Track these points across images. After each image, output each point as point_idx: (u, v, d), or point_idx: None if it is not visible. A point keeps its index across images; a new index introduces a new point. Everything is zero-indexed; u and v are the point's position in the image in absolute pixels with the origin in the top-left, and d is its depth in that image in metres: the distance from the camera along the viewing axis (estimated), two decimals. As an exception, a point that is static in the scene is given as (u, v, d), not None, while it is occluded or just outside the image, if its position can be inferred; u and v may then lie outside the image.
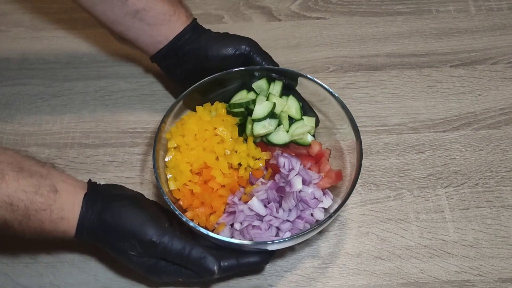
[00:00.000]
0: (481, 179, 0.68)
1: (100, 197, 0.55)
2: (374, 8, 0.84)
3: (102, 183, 0.58)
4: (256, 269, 0.62)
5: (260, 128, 0.62)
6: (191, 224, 0.54)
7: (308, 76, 0.63)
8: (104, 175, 0.69)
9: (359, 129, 0.60)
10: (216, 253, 0.55)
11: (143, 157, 0.70)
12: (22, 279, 0.62)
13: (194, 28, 0.67)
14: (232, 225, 0.59)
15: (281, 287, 0.62)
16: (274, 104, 0.62)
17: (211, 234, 0.53)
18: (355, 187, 0.66)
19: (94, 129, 0.73)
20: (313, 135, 0.66)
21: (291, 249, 0.64)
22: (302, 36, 0.81)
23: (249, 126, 0.63)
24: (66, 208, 0.52)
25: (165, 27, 0.65)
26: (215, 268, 0.54)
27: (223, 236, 0.54)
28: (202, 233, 0.54)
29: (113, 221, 0.53)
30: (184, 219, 0.54)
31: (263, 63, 0.65)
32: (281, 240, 0.54)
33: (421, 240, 0.64)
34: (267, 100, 0.63)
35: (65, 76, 0.78)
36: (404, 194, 0.67)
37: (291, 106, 0.64)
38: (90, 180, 0.58)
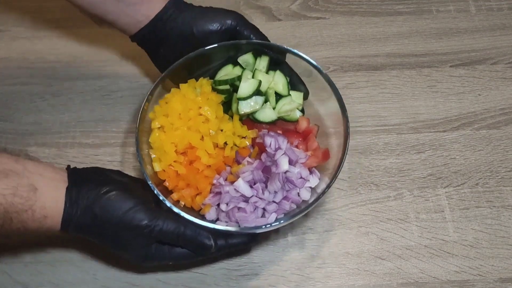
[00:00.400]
0: (481, 179, 0.68)
1: (84, 189, 0.52)
2: (374, 8, 0.84)
3: (80, 168, 0.56)
4: (244, 249, 0.62)
5: (245, 107, 0.60)
6: (175, 209, 0.53)
7: (294, 51, 0.62)
8: (104, 175, 0.69)
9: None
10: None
11: (143, 156, 0.70)
12: (21, 277, 0.62)
13: (176, 3, 0.64)
14: (218, 205, 0.58)
15: (281, 287, 0.62)
16: (260, 82, 0.61)
17: (196, 220, 0.53)
18: (355, 188, 0.66)
19: (94, 128, 0.73)
20: (302, 110, 0.64)
21: (292, 250, 0.64)
22: (302, 36, 0.81)
23: (234, 104, 0.62)
24: (48, 206, 0.50)
25: (145, 6, 0.62)
26: (211, 242, 0.54)
27: (209, 223, 0.54)
28: (188, 219, 0.53)
29: (103, 214, 0.52)
30: (168, 205, 0.53)
31: (251, 36, 0.63)
32: (268, 225, 0.54)
33: (421, 240, 0.64)
34: (253, 76, 0.61)
35: (65, 75, 0.78)
36: (404, 194, 0.67)
37: (278, 82, 0.62)
38: (69, 166, 0.55)
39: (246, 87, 0.60)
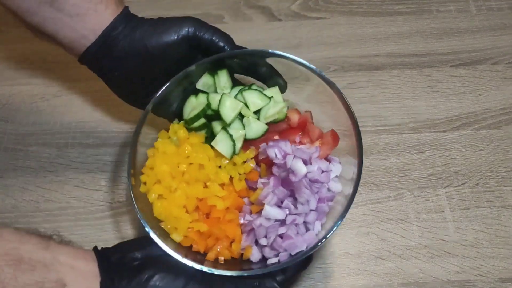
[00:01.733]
0: (482, 179, 0.68)
1: (122, 277, 0.46)
2: (374, 8, 0.84)
3: (110, 250, 0.50)
4: (305, 266, 0.54)
5: (234, 132, 0.56)
6: (228, 273, 0.48)
7: (277, 52, 0.56)
8: (105, 175, 0.69)
9: (360, 129, 0.58)
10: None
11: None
12: (22, 278, 0.62)
13: (126, 18, 0.56)
14: (257, 242, 0.54)
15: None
16: (241, 106, 0.56)
17: (245, 273, 0.49)
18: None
19: (94, 129, 0.73)
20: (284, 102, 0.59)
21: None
22: (303, 36, 0.81)
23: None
24: None
25: (90, 18, 0.54)
26: (276, 285, 0.50)
27: (253, 267, 0.50)
28: (231, 276, 0.49)
29: None
30: (205, 270, 0.48)
31: (214, 39, 0.56)
32: (321, 242, 0.50)
33: (421, 240, 0.64)
34: (221, 98, 0.56)
35: (65, 76, 0.78)
36: (404, 194, 0.67)
37: (254, 100, 0.57)
38: (96, 248, 0.49)
39: (227, 112, 0.55)
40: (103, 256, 0.48)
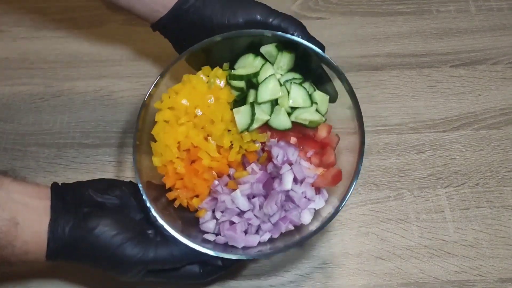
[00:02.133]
0: (482, 179, 0.68)
1: (69, 221, 0.48)
2: (374, 8, 0.84)
3: (66, 186, 0.52)
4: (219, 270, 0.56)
5: (259, 113, 0.55)
6: (165, 226, 0.50)
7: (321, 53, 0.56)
8: (104, 175, 0.69)
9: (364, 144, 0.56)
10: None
11: (143, 157, 0.70)
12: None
13: None
14: (213, 210, 0.55)
15: (281, 287, 0.62)
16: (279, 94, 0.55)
17: (186, 242, 0.50)
18: (356, 188, 0.65)
19: (94, 129, 0.73)
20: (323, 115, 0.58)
21: (291, 250, 0.63)
22: (302, 36, 0.81)
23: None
24: (30, 241, 0.46)
25: None
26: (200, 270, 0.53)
27: (196, 245, 0.50)
28: (176, 240, 0.50)
29: (91, 253, 0.48)
30: (158, 224, 0.50)
31: (282, 25, 0.56)
32: (255, 256, 0.52)
33: (421, 240, 0.64)
34: (268, 77, 0.56)
35: (65, 76, 0.78)
36: (404, 194, 0.67)
37: (296, 96, 0.56)
38: (53, 189, 0.50)
39: (265, 91, 0.55)
40: (58, 195, 0.49)
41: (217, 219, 0.55)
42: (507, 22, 0.82)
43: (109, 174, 0.69)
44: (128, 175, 0.69)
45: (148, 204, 0.50)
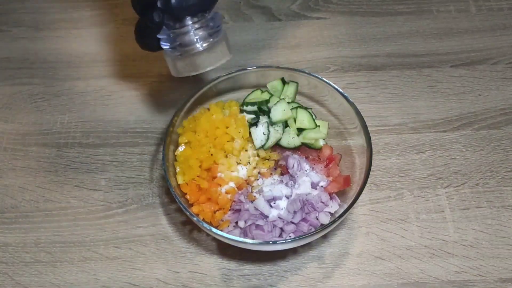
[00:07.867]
0: (482, 179, 0.68)
1: None
2: (374, 8, 0.84)
3: None
4: None
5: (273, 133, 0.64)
6: (195, 218, 0.55)
7: (335, 87, 0.64)
8: (104, 175, 0.69)
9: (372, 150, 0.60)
10: None
11: (143, 156, 0.70)
12: (22, 278, 0.62)
13: None
14: (236, 223, 0.59)
15: (281, 287, 0.62)
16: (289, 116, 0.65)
17: (213, 229, 0.55)
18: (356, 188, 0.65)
19: (94, 128, 0.73)
20: (324, 139, 0.68)
21: (292, 250, 0.64)
22: (303, 36, 0.81)
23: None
24: None
25: None
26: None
27: (226, 233, 0.55)
28: (205, 228, 0.55)
29: None
30: (188, 213, 0.56)
31: None
32: (283, 241, 0.54)
33: (421, 240, 0.64)
34: (279, 100, 0.65)
35: (65, 75, 0.78)
36: (404, 194, 0.67)
37: (302, 119, 0.66)
38: None
39: (277, 113, 0.65)
40: None
41: (241, 228, 0.59)
42: (507, 22, 0.82)
43: (110, 174, 0.69)
44: (128, 174, 0.69)
45: (183, 206, 0.56)
